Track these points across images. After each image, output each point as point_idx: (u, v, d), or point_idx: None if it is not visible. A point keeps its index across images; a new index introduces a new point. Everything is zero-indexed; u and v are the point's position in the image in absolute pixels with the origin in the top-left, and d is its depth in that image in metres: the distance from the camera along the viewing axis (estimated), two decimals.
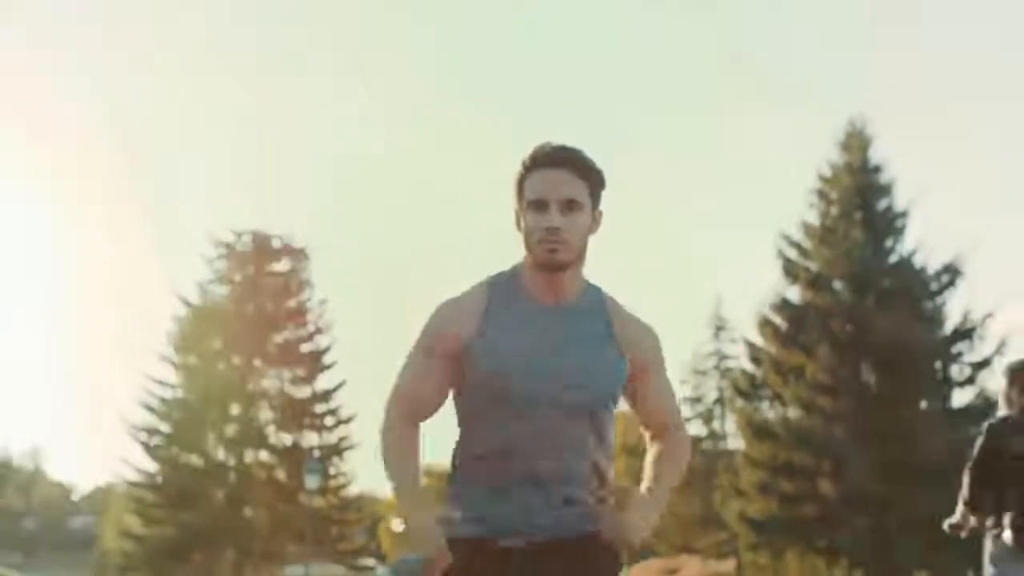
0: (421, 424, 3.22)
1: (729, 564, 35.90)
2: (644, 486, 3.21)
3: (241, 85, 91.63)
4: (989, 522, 6.10)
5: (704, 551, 38.53)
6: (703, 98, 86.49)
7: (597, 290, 3.22)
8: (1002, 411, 6.30)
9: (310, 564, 33.08)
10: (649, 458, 3.30)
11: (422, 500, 3.11)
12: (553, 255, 3.05)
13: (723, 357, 41.84)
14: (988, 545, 6.12)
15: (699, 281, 78.30)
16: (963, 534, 6.35)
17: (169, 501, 37.72)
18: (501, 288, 3.16)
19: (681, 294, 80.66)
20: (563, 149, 3.11)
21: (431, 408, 3.18)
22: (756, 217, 68.85)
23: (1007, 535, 5.95)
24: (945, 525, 6.52)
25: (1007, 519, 5.97)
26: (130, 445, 38.32)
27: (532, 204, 3.08)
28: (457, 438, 3.21)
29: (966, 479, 6.22)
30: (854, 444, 29.12)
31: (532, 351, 3.06)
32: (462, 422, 3.19)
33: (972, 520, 6.21)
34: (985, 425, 6.28)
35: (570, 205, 3.06)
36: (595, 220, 3.16)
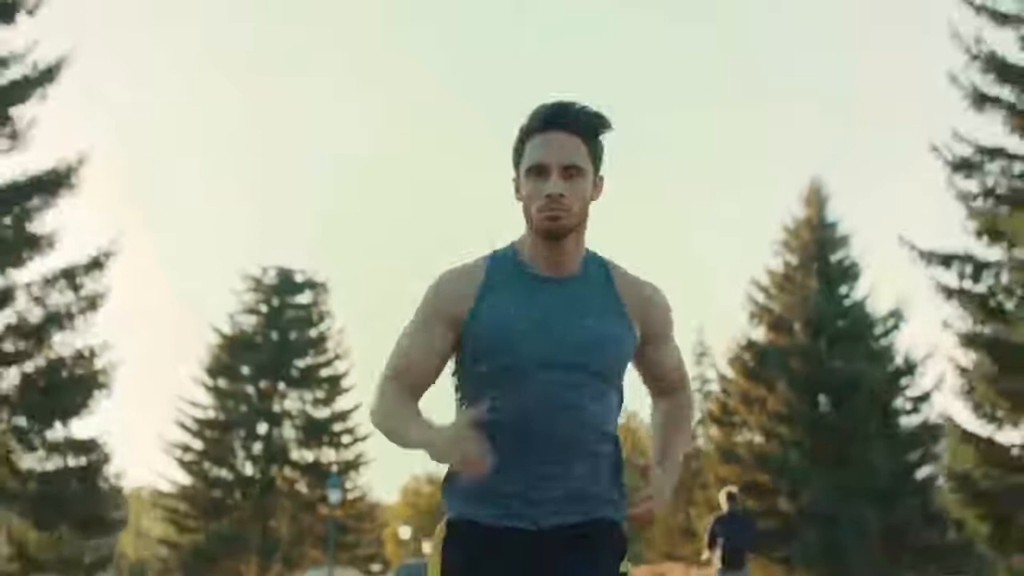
0: (419, 400, 3.14)
1: (710, 570, 41.59)
2: (656, 455, 3.30)
3: (267, 138, 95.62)
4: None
5: (687, 558, 44.22)
6: (703, 97, 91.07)
7: (599, 258, 3.19)
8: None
9: (328, 568, 38.77)
10: (658, 418, 3.37)
11: (433, 429, 2.91)
12: (555, 223, 3.02)
13: (705, 380, 47.67)
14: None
15: (691, 289, 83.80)
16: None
17: (200, 511, 43.00)
18: (502, 260, 3.14)
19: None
20: (564, 110, 3.07)
21: (429, 379, 3.13)
22: (753, 220, 74.65)
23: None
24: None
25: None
26: (166, 460, 43.98)
27: (531, 170, 3.04)
28: (456, 404, 3.19)
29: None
30: (809, 467, 34.81)
31: (535, 320, 3.04)
32: (462, 395, 3.16)
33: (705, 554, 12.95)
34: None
35: (571, 171, 3.02)
36: (597, 186, 3.11)
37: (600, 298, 3.12)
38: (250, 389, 43.83)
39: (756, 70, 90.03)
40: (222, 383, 43.85)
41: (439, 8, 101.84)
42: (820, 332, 35.68)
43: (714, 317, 78.92)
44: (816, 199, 37.15)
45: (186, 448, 43.37)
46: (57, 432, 21.99)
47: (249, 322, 44.55)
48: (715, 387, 43.77)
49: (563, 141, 3.02)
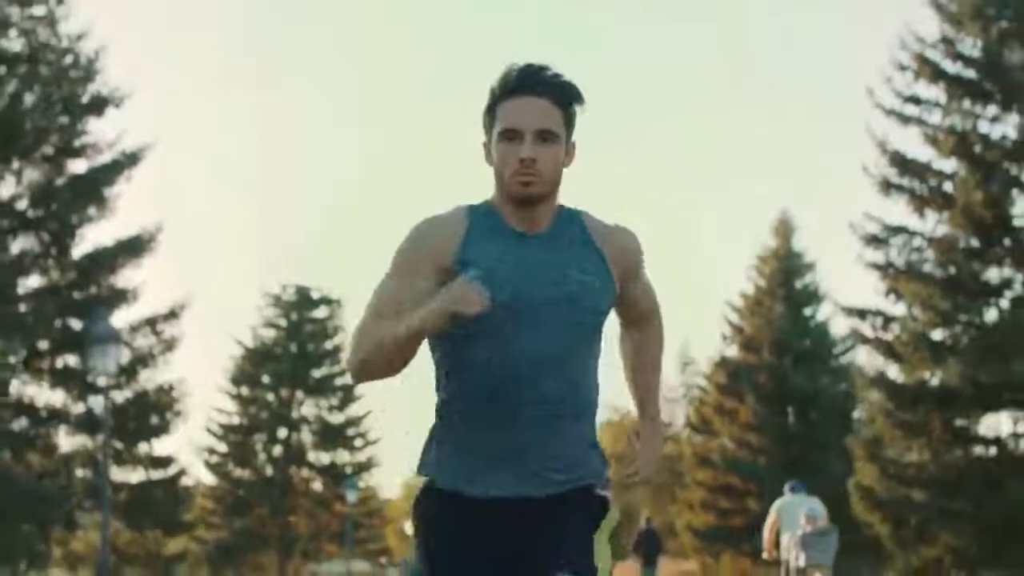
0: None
1: (691, 564, 47.96)
2: (637, 407, 3.50)
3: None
4: None
5: (671, 553, 50.62)
6: (701, 99, 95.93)
7: (572, 211, 3.26)
8: None
9: (342, 561, 45.09)
10: (629, 350, 3.51)
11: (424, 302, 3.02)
12: (527, 188, 3.08)
13: (690, 387, 54.12)
14: None
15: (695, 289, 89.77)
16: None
17: (225, 509, 47.33)
18: (481, 213, 3.19)
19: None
20: (536, 73, 3.12)
21: None
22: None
23: None
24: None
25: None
26: (195, 462, 49.81)
27: (503, 134, 3.09)
28: (437, 374, 3.24)
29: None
30: (775, 471, 41.13)
31: (521, 272, 3.11)
32: (441, 350, 3.21)
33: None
34: None
35: (544, 135, 3.08)
36: (569, 152, 3.18)
37: (577, 250, 3.18)
38: (271, 397, 48.40)
39: (757, 72, 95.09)
40: (245, 391, 48.46)
41: (437, 6, 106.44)
42: (785, 352, 41.97)
43: (702, 329, 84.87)
44: (784, 230, 43.46)
45: (212, 451, 47.49)
46: (142, 450, 28.54)
47: (269, 335, 49.22)
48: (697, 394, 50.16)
49: (537, 105, 3.08)
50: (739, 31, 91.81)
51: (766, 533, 16.39)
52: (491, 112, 3.16)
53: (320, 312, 50.38)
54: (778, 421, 41.91)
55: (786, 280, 42.77)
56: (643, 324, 3.49)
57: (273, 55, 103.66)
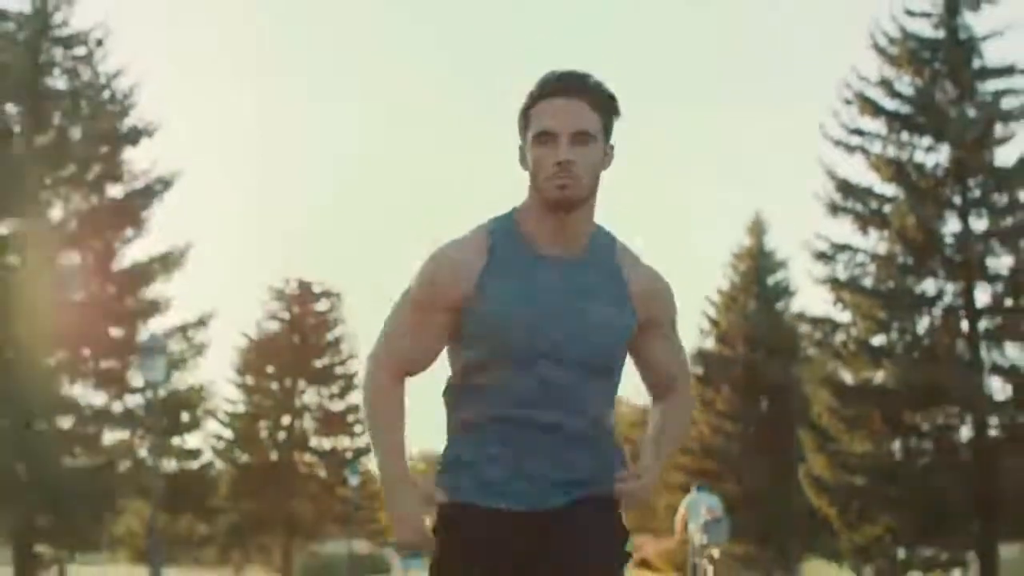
0: (411, 377, 3.29)
1: (671, 543, 52.30)
2: (647, 450, 3.39)
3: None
4: None
5: (656, 531, 55.04)
6: (702, 93, 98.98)
7: (608, 236, 3.28)
8: None
9: (344, 542, 49.24)
10: (651, 424, 3.44)
11: (405, 481, 3.15)
12: (563, 191, 3.08)
13: None
14: None
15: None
16: None
17: (232, 493, 49.64)
18: (502, 235, 3.20)
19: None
20: (574, 76, 3.15)
21: (422, 366, 3.28)
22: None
23: None
24: None
25: None
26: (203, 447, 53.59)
27: (539, 136, 3.12)
28: (451, 395, 3.32)
29: None
30: (749, 457, 45.66)
31: (534, 309, 3.13)
32: (459, 378, 3.28)
33: None
34: None
35: (582, 137, 3.10)
36: (607, 155, 3.20)
37: (603, 280, 3.20)
38: (274, 386, 51.18)
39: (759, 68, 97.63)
40: (250, 380, 51.33)
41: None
42: (758, 345, 46.47)
43: (682, 323, 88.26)
44: (757, 229, 47.97)
45: (219, 437, 50.36)
46: (175, 443, 33.23)
47: (273, 327, 52.33)
48: None
49: (574, 107, 3.11)
50: (738, 31, 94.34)
51: (678, 521, 21.80)
52: (526, 115, 3.17)
53: (321, 305, 53.22)
54: (751, 410, 46.42)
55: (759, 277, 47.25)
56: (668, 395, 3.44)
57: (272, 56, 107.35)
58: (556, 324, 3.17)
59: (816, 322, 32.28)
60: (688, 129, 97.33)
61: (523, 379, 3.18)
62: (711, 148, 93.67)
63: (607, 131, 3.20)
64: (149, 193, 32.25)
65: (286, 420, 51.73)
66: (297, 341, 52.51)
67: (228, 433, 51.74)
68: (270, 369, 51.92)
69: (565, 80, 3.15)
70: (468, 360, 3.25)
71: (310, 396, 52.48)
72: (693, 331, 48.32)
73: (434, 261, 3.23)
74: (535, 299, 3.17)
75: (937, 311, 30.59)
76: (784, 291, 47.43)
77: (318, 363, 52.35)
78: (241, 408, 51.95)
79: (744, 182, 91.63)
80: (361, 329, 58.93)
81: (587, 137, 3.13)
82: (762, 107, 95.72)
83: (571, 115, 3.12)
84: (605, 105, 3.18)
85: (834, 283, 30.99)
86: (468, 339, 3.22)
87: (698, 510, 20.88)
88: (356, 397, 52.17)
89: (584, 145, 3.13)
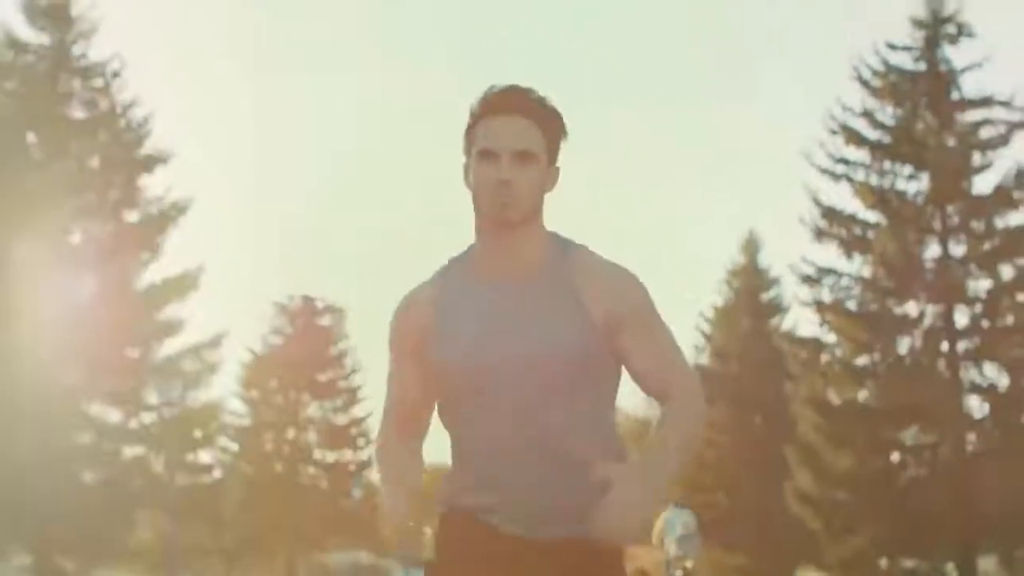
0: (422, 437, 3.31)
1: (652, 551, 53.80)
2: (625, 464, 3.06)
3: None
4: None
5: (647, 544, 56.53)
6: (692, 88, 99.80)
7: (561, 248, 3.17)
8: None
9: (347, 552, 50.57)
10: (653, 434, 3.18)
11: (400, 482, 3.13)
12: (504, 211, 3.04)
13: None
14: None
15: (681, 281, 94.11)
16: None
17: (237, 505, 50.65)
18: (453, 272, 3.19)
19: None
20: (516, 93, 3.10)
21: (421, 410, 3.28)
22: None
23: None
24: None
25: None
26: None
27: (481, 155, 3.06)
28: (442, 419, 3.30)
29: None
30: (743, 470, 47.21)
31: (480, 335, 3.09)
32: (439, 407, 3.27)
33: None
34: None
35: (523, 157, 3.04)
36: (551, 176, 3.13)
37: (553, 297, 3.09)
38: (279, 399, 51.76)
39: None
40: (255, 394, 52.64)
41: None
42: (750, 361, 48.08)
43: (680, 340, 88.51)
44: (751, 248, 49.63)
45: (224, 450, 51.07)
46: (189, 458, 34.96)
47: (277, 342, 53.42)
48: None
49: (516, 125, 3.05)
50: (736, 30, 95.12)
51: (655, 535, 22.98)
52: (470, 133, 3.13)
53: (324, 320, 54.39)
54: (745, 425, 48.03)
55: (752, 294, 48.89)
56: (661, 405, 3.18)
57: (273, 55, 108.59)
58: (498, 351, 3.11)
59: (803, 343, 33.92)
60: (688, 131, 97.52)
61: (485, 409, 3.13)
62: (707, 157, 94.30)
63: (552, 151, 3.15)
64: (164, 219, 33.86)
65: (291, 433, 52.61)
66: (301, 356, 53.37)
67: (233, 446, 52.82)
68: (274, 383, 52.99)
69: (506, 97, 3.11)
70: (438, 400, 3.29)
71: (314, 410, 53.26)
72: (689, 347, 50.05)
73: (395, 313, 3.27)
74: (482, 335, 3.13)
75: (918, 333, 32.17)
76: (777, 308, 49.06)
77: (322, 377, 53.24)
78: (246, 422, 53.18)
79: (740, 195, 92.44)
80: (364, 343, 60.19)
81: (529, 156, 3.08)
82: (758, 115, 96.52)
83: (513, 133, 3.07)
84: (549, 123, 3.13)
85: (820, 305, 32.66)
86: (431, 379, 3.23)
87: (674, 525, 22.53)
88: (359, 410, 53.63)
89: (526, 165, 3.07)
